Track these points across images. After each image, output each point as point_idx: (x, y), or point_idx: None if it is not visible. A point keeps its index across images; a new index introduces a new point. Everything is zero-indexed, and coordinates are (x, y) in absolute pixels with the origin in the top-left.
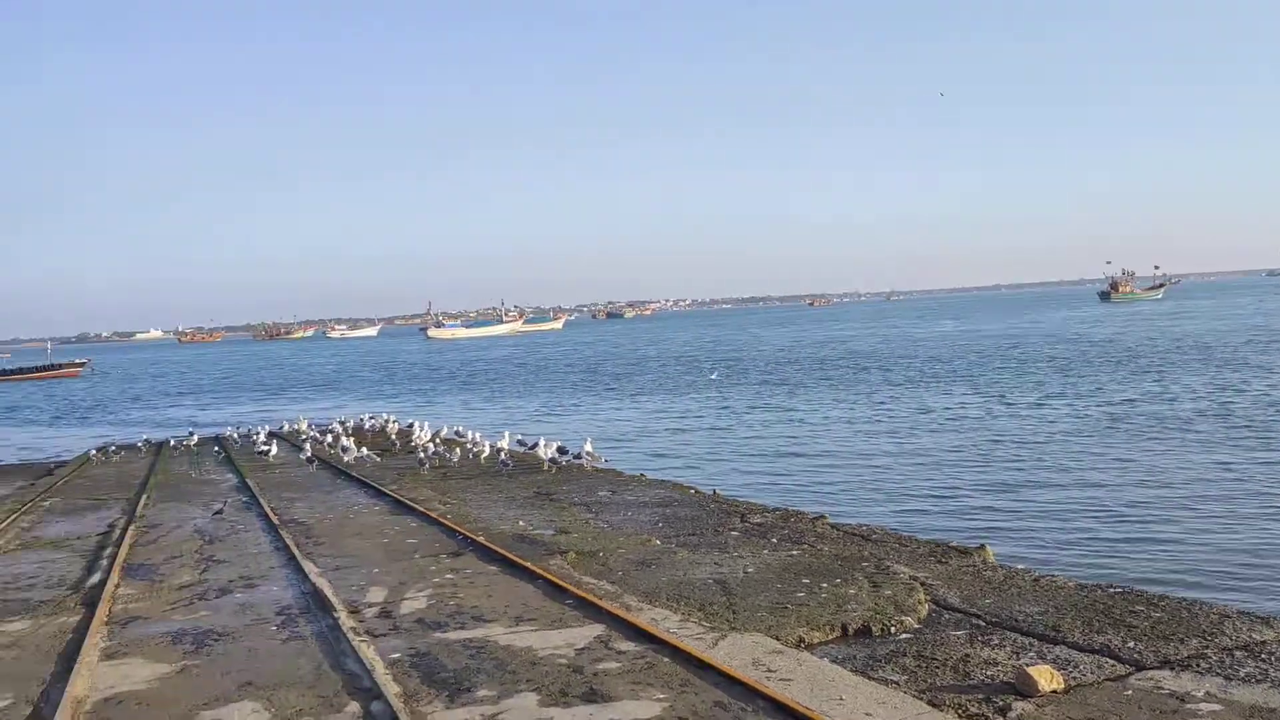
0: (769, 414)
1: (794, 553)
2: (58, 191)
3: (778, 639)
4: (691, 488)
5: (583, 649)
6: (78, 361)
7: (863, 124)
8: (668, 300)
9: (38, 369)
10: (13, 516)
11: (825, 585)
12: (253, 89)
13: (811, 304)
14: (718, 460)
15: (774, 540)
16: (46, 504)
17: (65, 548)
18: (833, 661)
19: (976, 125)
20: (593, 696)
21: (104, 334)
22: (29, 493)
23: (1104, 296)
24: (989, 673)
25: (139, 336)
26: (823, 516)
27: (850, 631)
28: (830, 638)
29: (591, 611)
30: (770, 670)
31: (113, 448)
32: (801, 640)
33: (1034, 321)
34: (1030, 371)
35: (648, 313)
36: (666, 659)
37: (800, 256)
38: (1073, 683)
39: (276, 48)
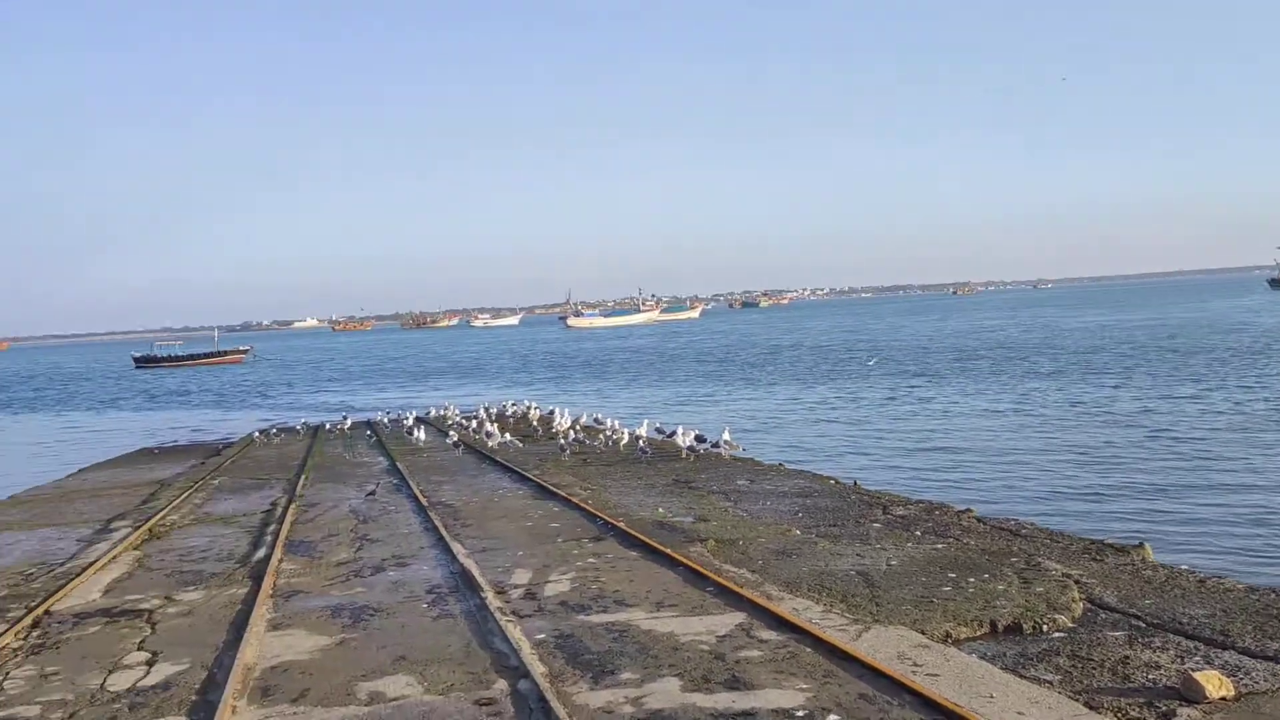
0: (908, 405)
1: (939, 546)
2: (229, 192)
3: (923, 633)
4: (831, 478)
5: (724, 636)
6: (241, 349)
7: (1010, 106)
8: (805, 289)
9: (206, 355)
10: (186, 494)
11: (972, 580)
12: (415, 82)
13: (955, 292)
14: (856, 451)
15: (917, 533)
16: (215, 482)
17: (233, 524)
18: (981, 658)
19: (1132, 111)
20: (735, 684)
21: (264, 322)
22: (200, 471)
23: (1275, 284)
24: (1151, 676)
25: (296, 325)
26: (969, 510)
27: (999, 628)
28: (978, 634)
29: (732, 599)
30: (916, 664)
31: (274, 430)
32: (948, 635)
33: (1195, 310)
34: (1190, 363)
35: (785, 302)
36: (809, 649)
37: (943, 243)
38: (1244, 690)
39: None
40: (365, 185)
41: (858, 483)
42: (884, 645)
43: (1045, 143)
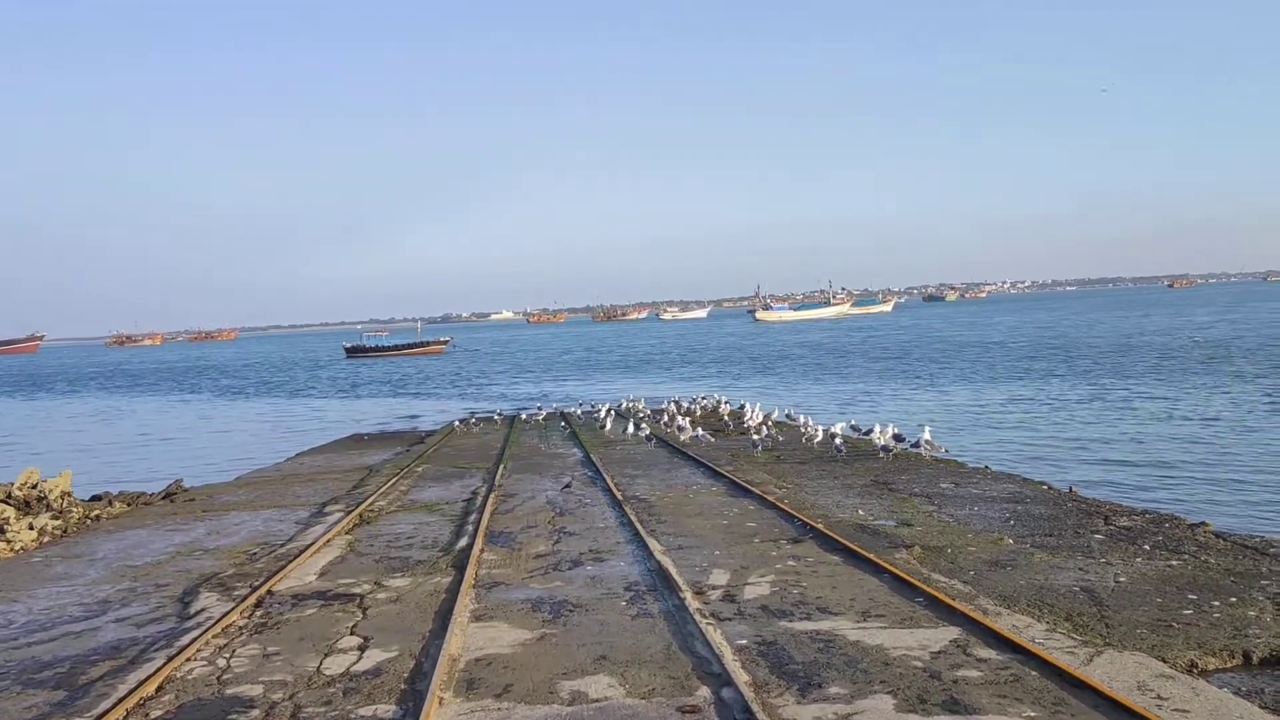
0: (1117, 407)
1: (1173, 563)
2: (431, 190)
3: (1164, 660)
4: (1044, 483)
5: (938, 652)
6: (442, 339)
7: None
8: (1004, 282)
9: (410, 345)
10: (392, 480)
11: (1217, 603)
12: (610, 87)
13: (1171, 285)
14: (1066, 455)
15: (1146, 547)
16: (420, 469)
17: (436, 511)
18: (1235, 693)
19: None
20: (954, 706)
21: (463, 314)
22: (405, 458)
23: None
24: None
25: (493, 317)
26: (1204, 524)
27: (1254, 660)
28: (1229, 665)
29: (944, 612)
30: (1160, 697)
31: (473, 419)
32: (1193, 665)
33: None
34: None
35: (982, 295)
36: (1034, 672)
37: (1157, 230)
38: None
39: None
40: (561, 183)
41: (1074, 488)
42: (1120, 673)
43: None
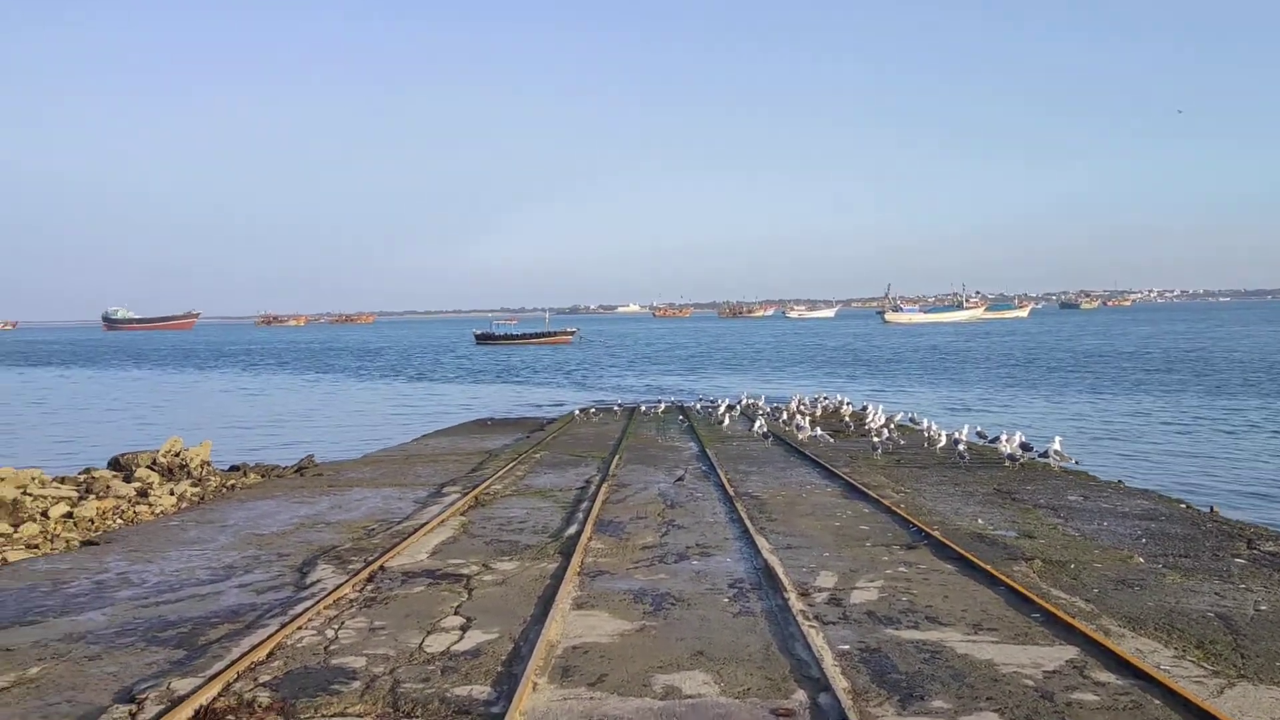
0: (1262, 426)
1: None
2: (556, 178)
3: None
4: (1181, 501)
5: (1052, 672)
6: (569, 330)
7: None
8: (1151, 291)
9: (538, 335)
10: (510, 465)
11: None
12: (741, 86)
13: None
14: (1207, 474)
15: None
16: (537, 456)
17: (550, 498)
18: None
19: None
20: None
21: (591, 306)
22: (525, 444)
23: None
24: None
25: (619, 309)
26: None
27: None
28: None
29: (1062, 630)
30: None
31: (593, 409)
32: None
33: None
34: None
35: (1126, 303)
36: (1157, 701)
37: None
38: None
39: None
40: (693, 179)
41: (1215, 508)
42: (1254, 708)
43: None
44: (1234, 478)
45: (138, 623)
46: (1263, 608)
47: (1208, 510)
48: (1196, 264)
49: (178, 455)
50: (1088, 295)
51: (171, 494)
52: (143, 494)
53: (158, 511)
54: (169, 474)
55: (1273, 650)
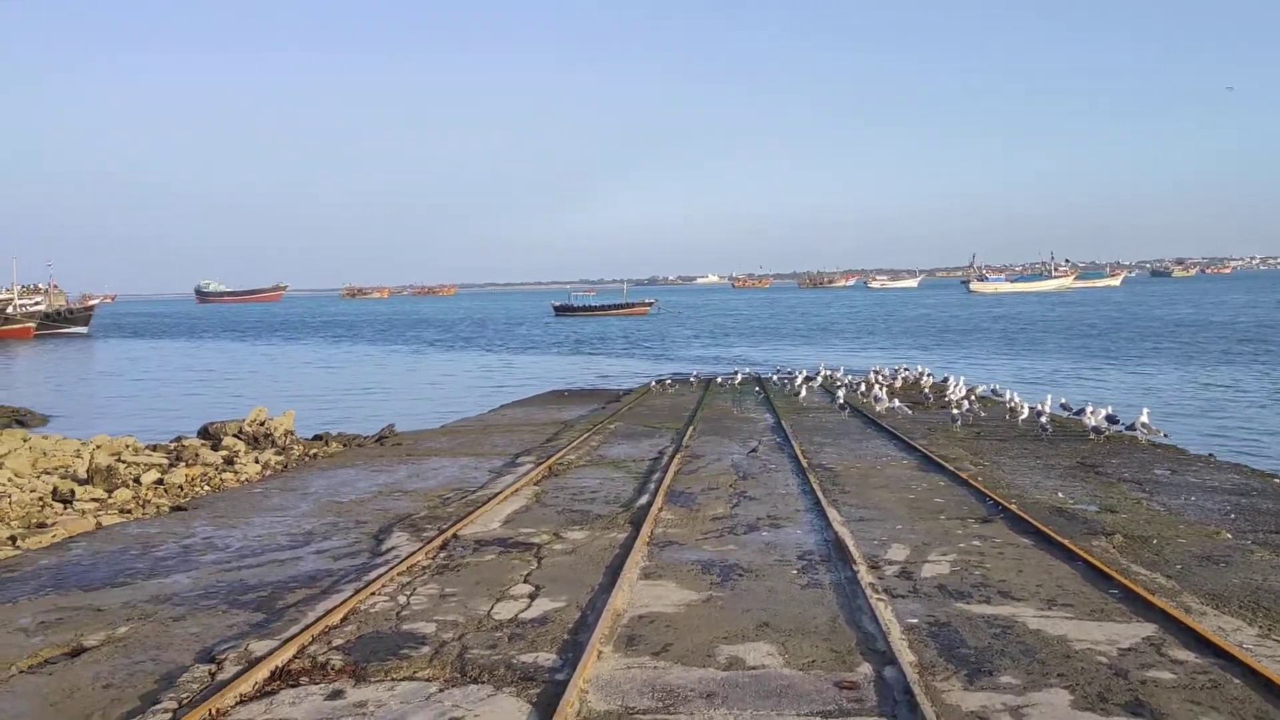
0: None
1: None
2: (636, 151)
3: None
4: (1275, 476)
5: (1128, 649)
6: (647, 301)
7: None
8: (1254, 258)
9: (617, 305)
10: (585, 435)
11: None
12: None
13: None
14: None
15: None
16: (612, 426)
17: (622, 468)
18: None
19: None
20: (1138, 709)
21: (670, 277)
22: (600, 415)
23: None
24: None
25: (698, 280)
26: None
27: None
28: None
29: (1140, 607)
30: None
31: (669, 380)
32: None
33: None
34: None
35: (1226, 270)
36: (1237, 680)
37: None
38: None
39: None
40: (773, 148)
41: None
42: None
43: None
44: None
45: (220, 586)
46: None
47: None
48: None
49: (263, 424)
50: (1180, 264)
51: (256, 462)
52: (229, 462)
53: (243, 479)
54: (254, 442)
55: None
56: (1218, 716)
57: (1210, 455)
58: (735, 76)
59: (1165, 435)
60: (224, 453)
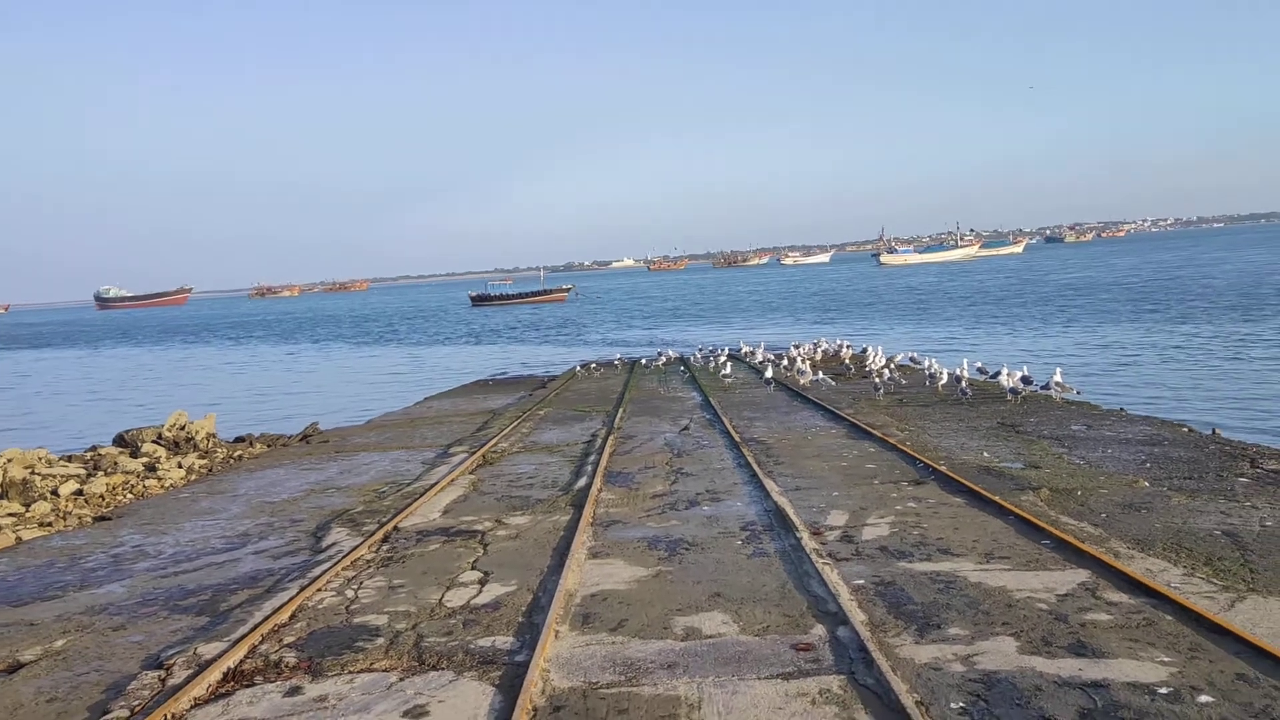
0: (1248, 347)
1: None
2: (546, 138)
3: None
4: (1184, 425)
5: (1065, 595)
6: (564, 287)
7: None
8: (1144, 220)
9: (534, 293)
10: (514, 423)
11: None
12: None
13: None
14: (1207, 398)
15: None
16: (541, 413)
17: (557, 453)
18: None
19: None
20: (1081, 650)
21: (585, 263)
22: (528, 402)
23: None
24: None
25: (614, 265)
26: None
27: None
28: None
29: (1072, 555)
30: None
31: (594, 364)
32: None
33: None
34: None
35: (1120, 234)
36: (1169, 617)
37: None
38: None
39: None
40: (683, 131)
41: (1217, 430)
42: (1265, 618)
43: None
44: (1228, 394)
45: (158, 592)
46: (1269, 523)
47: (1210, 433)
48: (1192, 191)
49: (183, 429)
50: (1074, 229)
51: (180, 467)
52: (151, 468)
53: (167, 485)
54: (175, 448)
55: None
56: (1155, 651)
57: (1121, 409)
58: (650, 61)
59: (1078, 393)
60: (144, 459)
